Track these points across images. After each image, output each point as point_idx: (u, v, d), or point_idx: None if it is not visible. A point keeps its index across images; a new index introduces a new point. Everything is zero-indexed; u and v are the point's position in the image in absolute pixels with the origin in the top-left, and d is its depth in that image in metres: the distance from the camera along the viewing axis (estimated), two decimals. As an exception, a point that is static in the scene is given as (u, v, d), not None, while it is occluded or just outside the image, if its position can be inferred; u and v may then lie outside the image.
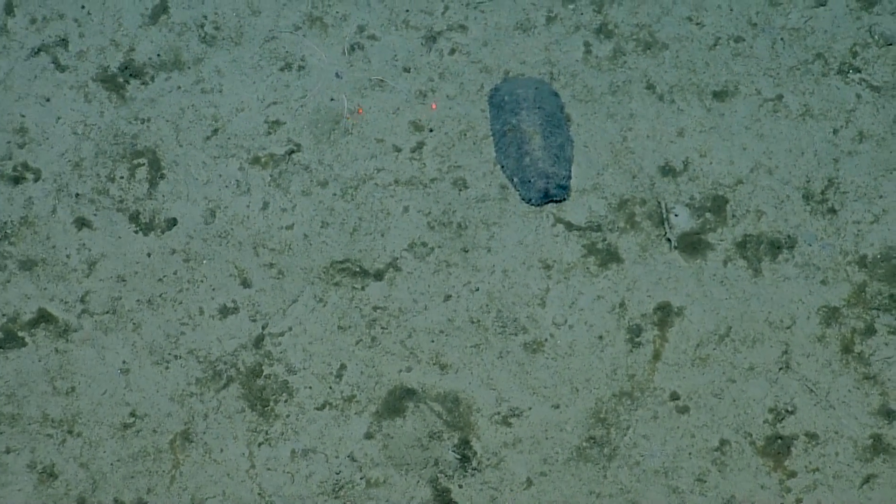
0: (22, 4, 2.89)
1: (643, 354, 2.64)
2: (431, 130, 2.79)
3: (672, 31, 2.87)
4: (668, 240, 2.70)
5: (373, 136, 2.79)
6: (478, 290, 2.69)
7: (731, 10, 2.87)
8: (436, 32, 2.87)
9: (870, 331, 2.64)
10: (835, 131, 2.77)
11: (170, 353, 2.66)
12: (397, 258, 2.71)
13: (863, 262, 2.69)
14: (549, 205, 2.73)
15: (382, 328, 2.67)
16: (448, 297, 2.68)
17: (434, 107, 2.77)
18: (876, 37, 2.83)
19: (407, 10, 2.88)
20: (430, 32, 2.87)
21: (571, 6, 2.88)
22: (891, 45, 2.82)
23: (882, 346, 2.63)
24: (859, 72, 2.82)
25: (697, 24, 2.87)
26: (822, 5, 2.86)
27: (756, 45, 2.85)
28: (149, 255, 2.71)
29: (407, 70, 2.84)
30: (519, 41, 2.87)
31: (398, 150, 2.78)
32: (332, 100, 2.82)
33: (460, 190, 2.75)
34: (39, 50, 2.86)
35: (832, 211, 2.72)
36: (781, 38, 2.85)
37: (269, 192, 2.75)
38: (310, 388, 2.64)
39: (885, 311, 2.65)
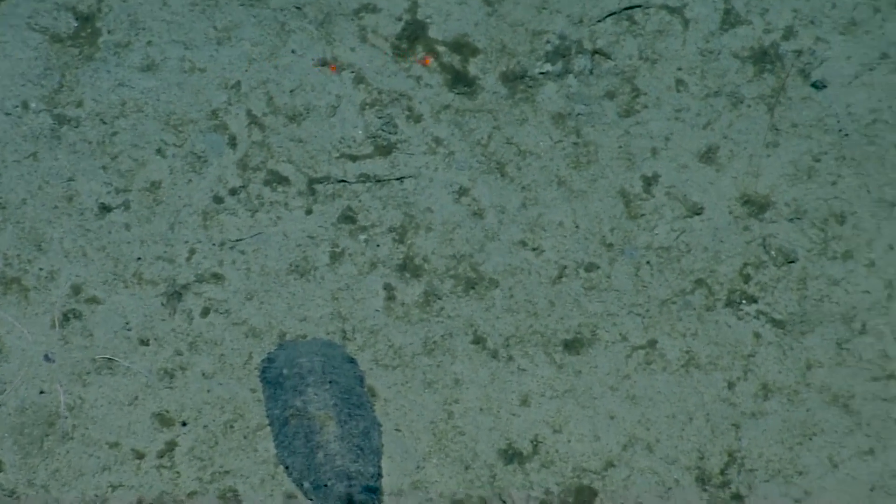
0: None
1: None
2: (185, 424, 2.33)
3: (501, 261, 2.48)
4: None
5: (103, 439, 2.32)
6: None
7: (577, 227, 2.51)
8: (180, 286, 2.45)
9: None
10: (730, 385, 2.41)
11: None
12: None
13: (785, 568, 2.28)
14: (355, 516, 2.28)
15: None
16: None
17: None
18: (773, 252, 2.45)
19: (138, 259, 2.47)
20: (173, 287, 2.44)
21: (363, 237, 2.51)
22: (792, 262, 2.42)
23: None
24: (755, 301, 2.45)
25: (534, 249, 2.49)
26: (698, 214, 2.50)
27: (615, 274, 2.48)
28: None
29: (145, 342, 2.41)
30: (296, 290, 2.45)
31: (140, 456, 2.31)
32: (42, 393, 2.34)
33: (230, 507, 2.30)
34: None
35: (737, 497, 2.32)
36: (648, 262, 2.48)
37: (-42, 539, 2.24)
38: None
39: None
